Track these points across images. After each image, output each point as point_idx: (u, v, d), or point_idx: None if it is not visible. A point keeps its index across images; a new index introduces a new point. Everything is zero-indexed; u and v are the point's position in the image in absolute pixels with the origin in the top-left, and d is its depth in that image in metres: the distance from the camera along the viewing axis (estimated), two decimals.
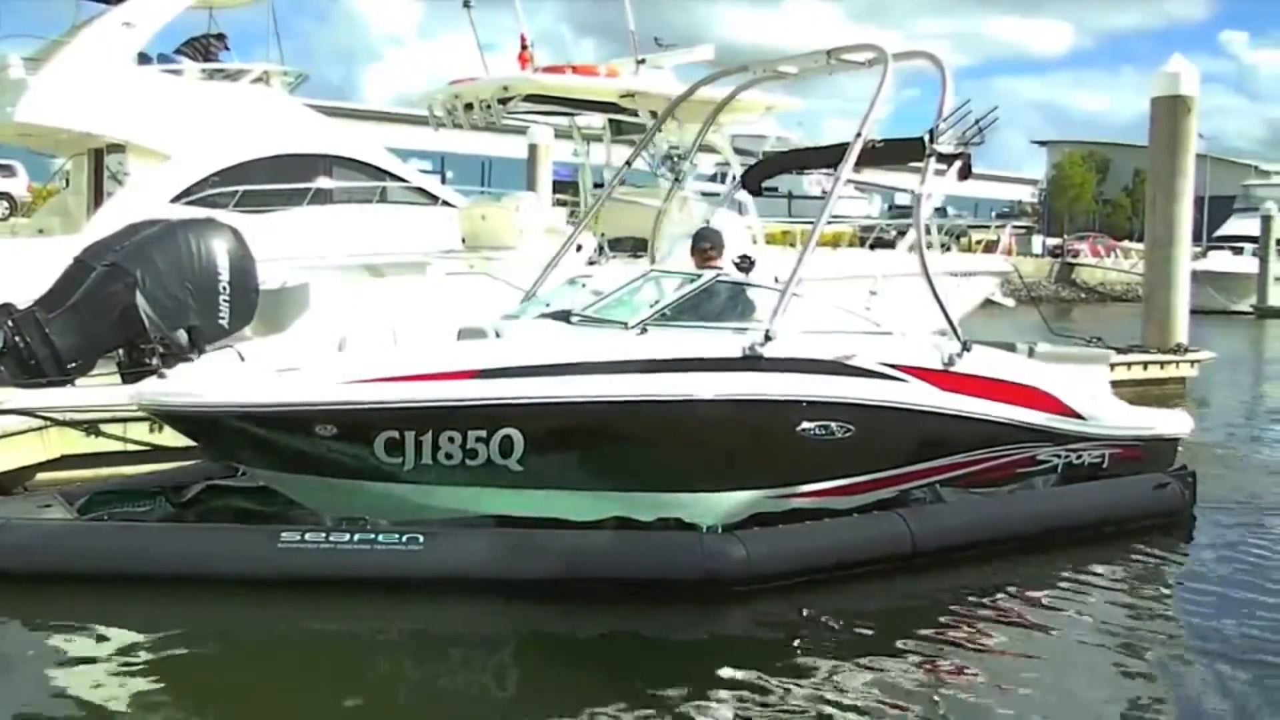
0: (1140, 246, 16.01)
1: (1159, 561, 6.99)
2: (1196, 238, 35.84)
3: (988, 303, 16.99)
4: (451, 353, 6.66)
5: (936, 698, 4.86)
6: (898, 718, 4.67)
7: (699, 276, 7.33)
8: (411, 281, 11.32)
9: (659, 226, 10.20)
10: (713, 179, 20.38)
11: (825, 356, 6.96)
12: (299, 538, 5.87)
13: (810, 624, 5.67)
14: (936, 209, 54.17)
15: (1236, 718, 4.71)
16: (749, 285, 7.37)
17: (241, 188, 13.58)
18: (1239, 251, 43.22)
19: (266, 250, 9.80)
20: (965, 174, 7.84)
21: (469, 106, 12.35)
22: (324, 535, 5.91)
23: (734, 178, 13.68)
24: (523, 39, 13.01)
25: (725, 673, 5.05)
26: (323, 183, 14.29)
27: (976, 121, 7.67)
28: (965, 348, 7.48)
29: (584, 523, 6.27)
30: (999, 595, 6.23)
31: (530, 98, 12.39)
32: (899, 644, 5.43)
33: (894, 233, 27.79)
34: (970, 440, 7.45)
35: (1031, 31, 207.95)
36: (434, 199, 15.47)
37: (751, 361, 6.70)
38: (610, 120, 13.55)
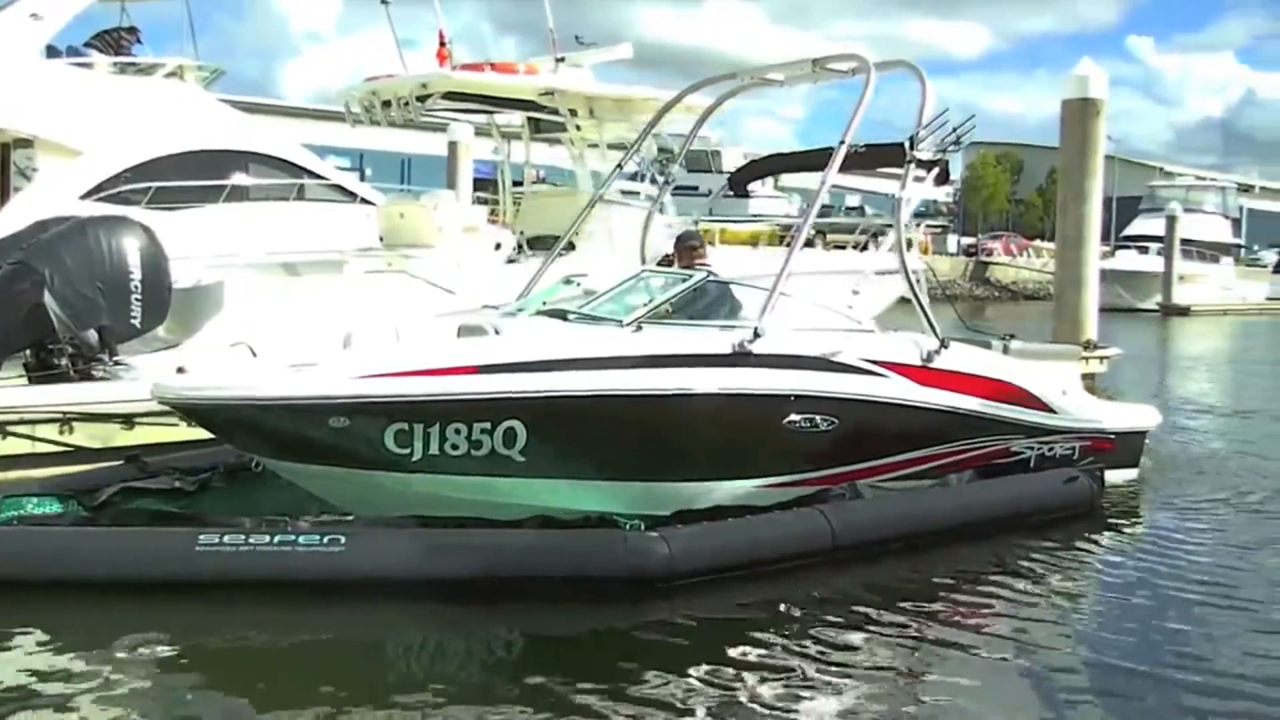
0: (1052, 245, 16.35)
1: (1066, 555, 7.11)
2: (1105, 237, 36.65)
3: (902, 300, 17.19)
4: (455, 349, 7.09)
5: (853, 691, 4.89)
6: (816, 711, 4.71)
7: (689, 276, 7.69)
8: (329, 280, 11.20)
9: (647, 229, 10.57)
10: (633, 178, 20.38)
11: (811, 353, 7.30)
12: (217, 540, 5.78)
13: (733, 619, 5.72)
14: (854, 208, 54.92)
15: (1134, 714, 4.81)
16: (737, 284, 7.78)
17: (154, 184, 13.30)
18: (1145, 251, 44.34)
19: (180, 248, 9.65)
20: (943, 179, 8.31)
21: (387, 104, 12.25)
22: (243, 537, 5.83)
23: (653, 176, 13.76)
24: (441, 36, 12.93)
25: (649, 670, 5.05)
26: (238, 179, 14.05)
27: (955, 129, 8.18)
28: (943, 344, 7.87)
29: (507, 521, 6.26)
30: (914, 588, 6.31)
31: (449, 95, 12.32)
32: (818, 638, 5.48)
33: (813, 231, 28.07)
34: (948, 433, 7.78)
35: (949, 34, 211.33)
36: (352, 196, 15.29)
37: (741, 357, 7.02)
38: (529, 118, 13.53)
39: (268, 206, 14.24)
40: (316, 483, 6.91)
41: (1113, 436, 8.65)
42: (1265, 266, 55.77)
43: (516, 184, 15.16)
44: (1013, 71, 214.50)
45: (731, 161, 49.69)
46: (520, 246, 12.73)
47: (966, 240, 56.58)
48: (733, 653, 5.24)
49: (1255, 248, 62.27)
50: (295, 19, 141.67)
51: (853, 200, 63.72)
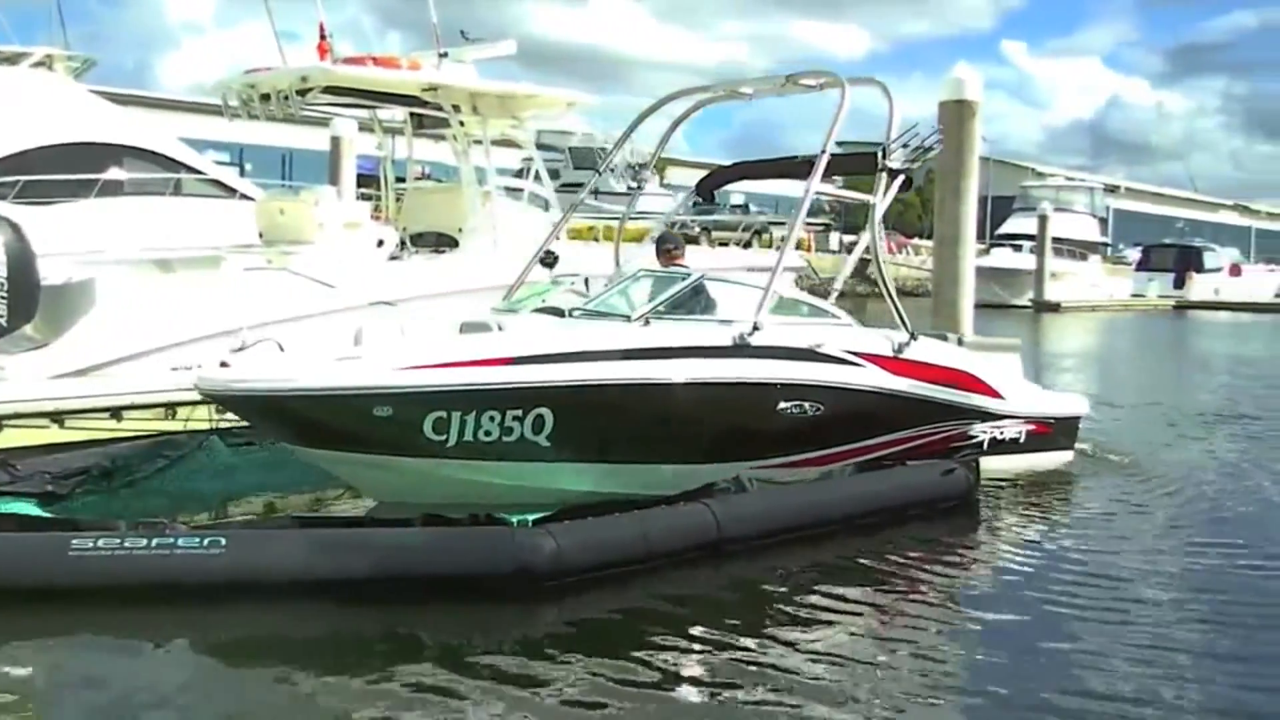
0: (930, 243, 16.71)
1: (942, 546, 7.32)
2: (980, 235, 37.65)
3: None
4: (488, 342, 7.49)
5: (731, 687, 4.93)
6: (698, 706, 4.76)
7: (686, 275, 8.36)
8: (205, 276, 10.94)
9: (620, 233, 11.14)
10: (518, 174, 20.31)
11: (799, 344, 7.95)
12: (91, 544, 5.62)
13: (619, 615, 5.75)
14: (738, 206, 55.44)
15: (1009, 704, 4.92)
16: (729, 282, 8.57)
17: (22, 178, 12.86)
18: (1018, 249, 45.64)
19: (50, 244, 9.35)
20: (907, 187, 8.95)
21: (265, 97, 11.98)
22: (119, 541, 5.67)
23: (535, 173, 13.74)
24: (321, 29, 12.70)
25: (537, 668, 5.06)
26: (112, 174, 13.66)
27: (923, 141, 8.77)
28: (913, 337, 8.62)
29: (392, 520, 6.21)
30: (797, 581, 6.41)
31: (330, 90, 12.10)
32: (700, 633, 5.53)
33: (698, 229, 28.33)
34: (916, 417, 8.51)
35: (832, 35, 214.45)
36: (231, 192, 14.97)
37: (741, 349, 7.66)
38: (412, 114, 13.38)
39: (142, 202, 13.87)
40: (350, 470, 7.42)
41: (1052, 421, 9.47)
42: (1129, 264, 57.82)
43: (400, 180, 14.99)
44: (892, 73, 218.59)
45: (616, 158, 49.87)
46: (403, 243, 12.59)
47: (848, 238, 57.53)
48: (618, 649, 5.25)
49: (1121, 246, 64.46)
50: (172, 9, 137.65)
51: (737, 199, 64.32)
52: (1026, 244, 45.51)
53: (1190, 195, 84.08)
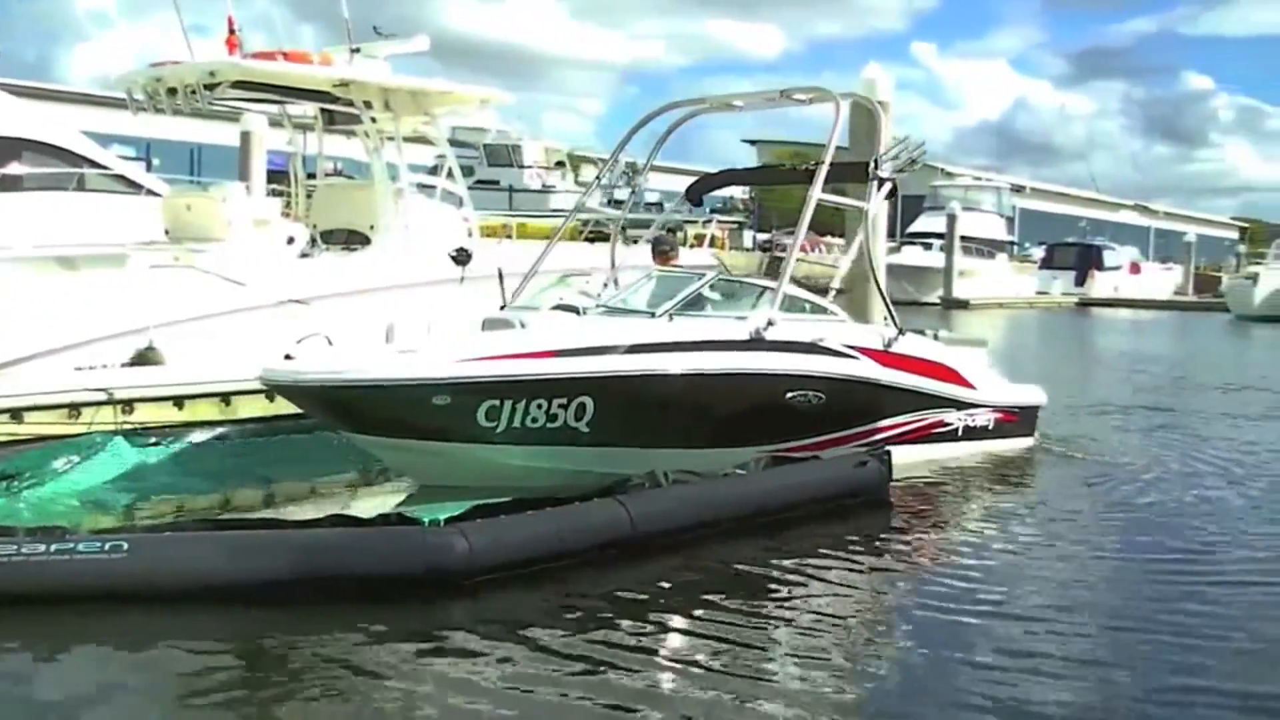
0: (842, 241, 16.90)
1: (852, 538, 7.37)
2: (891, 234, 38.17)
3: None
4: (535, 337, 8.11)
5: (646, 683, 4.94)
6: (609, 702, 4.76)
7: (701, 275, 9.08)
8: (109, 274, 10.70)
9: (615, 240, 11.68)
10: (432, 171, 20.16)
11: (805, 339, 8.63)
12: None
13: (532, 613, 5.72)
14: (653, 204, 55.54)
15: (918, 695, 4.99)
16: (739, 281, 9.44)
17: None
18: (928, 247, 46.39)
19: None
20: (891, 194, 9.76)
21: (172, 91, 11.75)
22: (15, 547, 5.51)
23: (449, 170, 13.66)
24: (230, 22, 12.48)
25: (448, 668, 5.05)
26: (11, 168, 13.27)
27: (910, 153, 9.57)
28: (900, 333, 9.39)
29: (301, 521, 6.13)
30: (707, 575, 6.45)
31: (239, 84, 11.92)
32: (615, 629, 5.54)
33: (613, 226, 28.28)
34: (903, 405, 9.29)
35: (746, 34, 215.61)
36: (137, 187, 14.62)
37: (757, 343, 8.35)
38: (323, 110, 13.22)
39: (43, 197, 13.48)
40: (400, 456, 8.02)
41: (1017, 410, 10.38)
42: (1035, 262, 59.02)
43: (311, 177, 14.80)
44: (804, 72, 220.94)
45: (532, 155, 49.69)
46: (314, 241, 12.44)
47: (762, 236, 57.92)
48: (531, 647, 5.25)
49: (1026, 244, 65.66)
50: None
51: (652, 196, 64.29)
52: (936, 242, 46.26)
53: (1093, 195, 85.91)
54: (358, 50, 12.89)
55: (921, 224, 49.99)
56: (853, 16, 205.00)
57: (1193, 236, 71.19)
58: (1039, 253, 62.00)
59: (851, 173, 9.94)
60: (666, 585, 6.24)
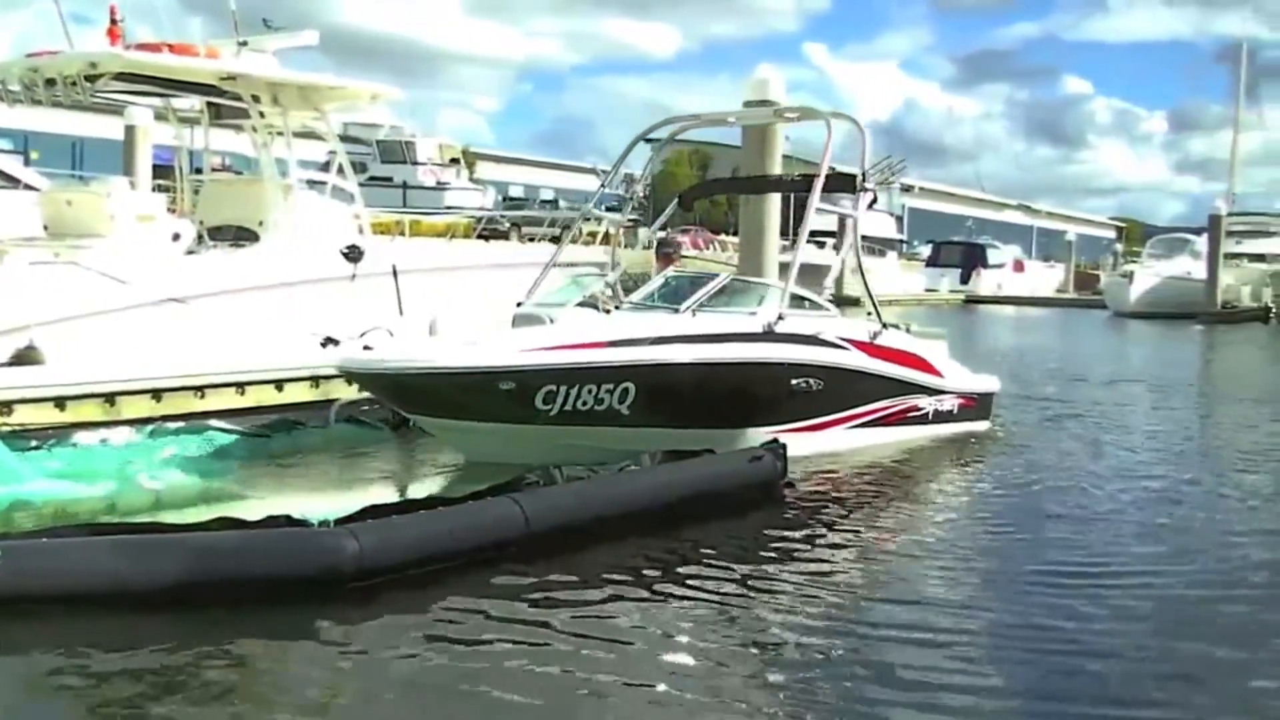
0: (736, 240, 17.09)
1: (752, 532, 7.49)
2: (784, 232, 38.51)
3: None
4: (585, 329, 9.05)
5: (540, 681, 4.93)
6: (501, 700, 4.76)
7: (716, 275, 10.36)
8: None
9: (615, 241, 13.29)
10: (323, 167, 19.86)
11: (806, 332, 9.65)
12: None
13: (426, 613, 5.69)
14: (547, 201, 55.27)
15: (804, 690, 5.07)
16: (748, 281, 10.76)
17: None
18: (822, 245, 46.95)
19: None
20: (873, 203, 10.98)
21: (51, 82, 11.39)
22: None
23: (339, 166, 13.49)
24: (113, 12, 12.14)
25: (340, 668, 5.00)
26: None
27: (891, 166, 12.75)
28: (884, 327, 10.55)
29: (186, 525, 6.00)
30: (601, 572, 6.45)
31: (121, 76, 11.61)
32: (510, 627, 5.54)
33: (507, 224, 28.24)
34: (885, 392, 10.39)
35: (643, 33, 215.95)
36: (14, 182, 14.21)
37: (769, 335, 9.33)
38: (209, 103, 12.95)
39: None
40: (462, 437, 8.88)
41: (976, 396, 11.60)
42: (922, 260, 60.28)
43: (197, 171, 14.49)
44: (699, 72, 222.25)
45: (426, 152, 49.25)
46: (200, 237, 12.18)
47: (659, 235, 58.18)
48: (423, 647, 5.23)
49: (915, 243, 67.04)
50: None
51: (547, 194, 64.17)
52: (829, 240, 46.86)
53: (979, 195, 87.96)
54: (245, 43, 12.65)
55: (815, 222, 50.54)
56: (748, 17, 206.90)
57: (1073, 236, 73.35)
58: (927, 251, 63.32)
59: (840, 184, 10.92)
60: (561, 583, 6.23)
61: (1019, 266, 63.27)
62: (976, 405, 11.62)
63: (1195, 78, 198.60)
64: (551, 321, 9.45)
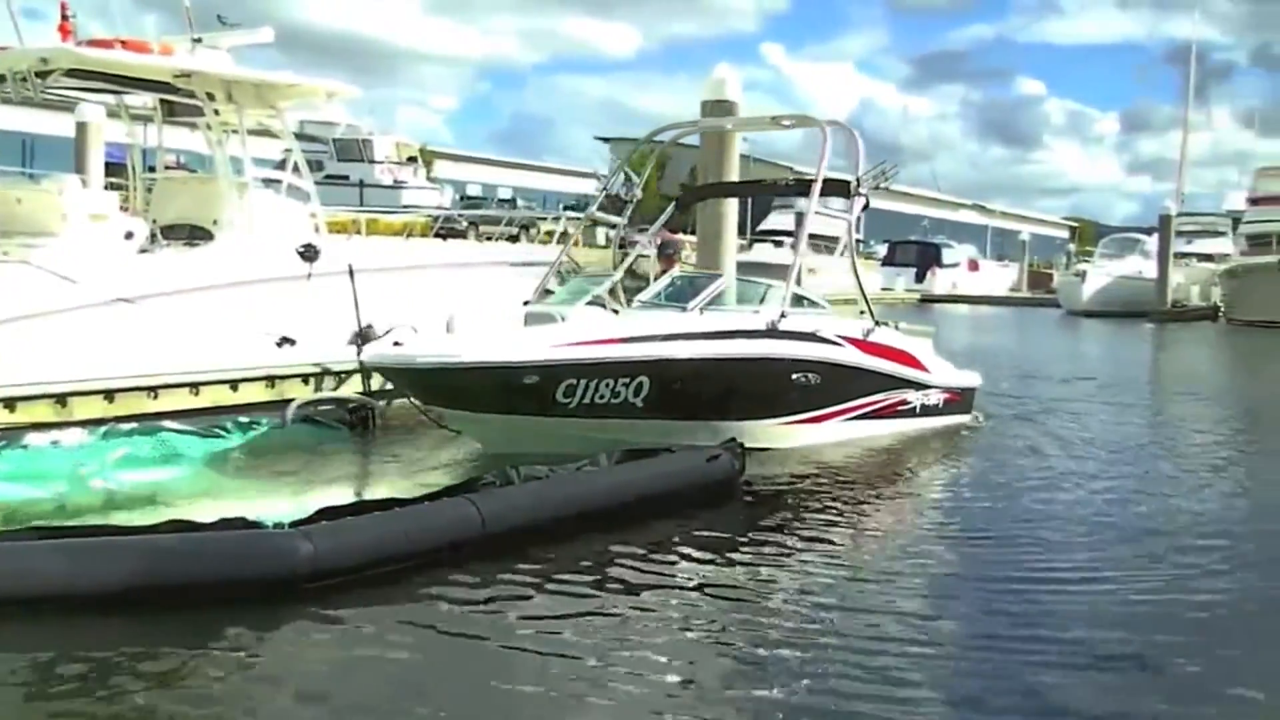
0: (694, 239, 17.17)
1: (708, 531, 7.48)
2: (742, 231, 38.69)
3: (546, 291, 17.58)
4: (602, 326, 9.58)
5: (496, 681, 4.95)
6: (460, 701, 4.77)
7: (719, 276, 11.13)
8: None
9: (615, 242, 12.90)
10: (280, 165, 19.72)
11: (805, 329, 10.14)
12: None
13: (382, 614, 5.67)
14: (505, 200, 55.14)
15: (759, 688, 5.11)
16: (750, 281, 11.23)
17: None
18: (779, 245, 47.18)
19: None
20: (865, 206, 11.39)
21: (1, 79, 11.26)
22: None
23: (295, 164, 13.40)
24: (64, 7, 11.99)
25: (294, 670, 4.98)
26: None
27: (884, 172, 11.09)
28: (877, 324, 11.05)
29: (136, 527, 5.95)
30: (558, 572, 6.45)
31: (73, 73, 11.47)
32: (468, 628, 5.55)
33: (465, 223, 28.14)
34: (877, 386, 10.91)
35: (603, 32, 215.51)
36: None
37: (772, 332, 9.81)
38: (163, 101, 12.83)
39: None
40: (483, 429, 9.28)
41: (960, 391, 12.14)
42: (878, 259, 60.66)
43: (151, 170, 14.33)
44: (658, 71, 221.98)
45: (383, 151, 49.01)
46: (154, 236, 12.05)
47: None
48: (377, 649, 5.21)
49: (871, 242, 67.37)
50: None
51: (505, 193, 63.96)
52: (787, 240, 47.07)
53: (934, 195, 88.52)
54: (200, 40, 12.54)
55: (771, 222, 50.87)
56: (708, 17, 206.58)
57: (1027, 235, 74.05)
58: (883, 250, 63.70)
59: (835, 188, 11.27)
60: (517, 583, 6.23)
61: (974, 266, 63.80)
62: (960, 400, 12.15)
63: (1146, 79, 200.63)
64: (563, 320, 9.88)
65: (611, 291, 11.06)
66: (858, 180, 11.04)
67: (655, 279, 11.39)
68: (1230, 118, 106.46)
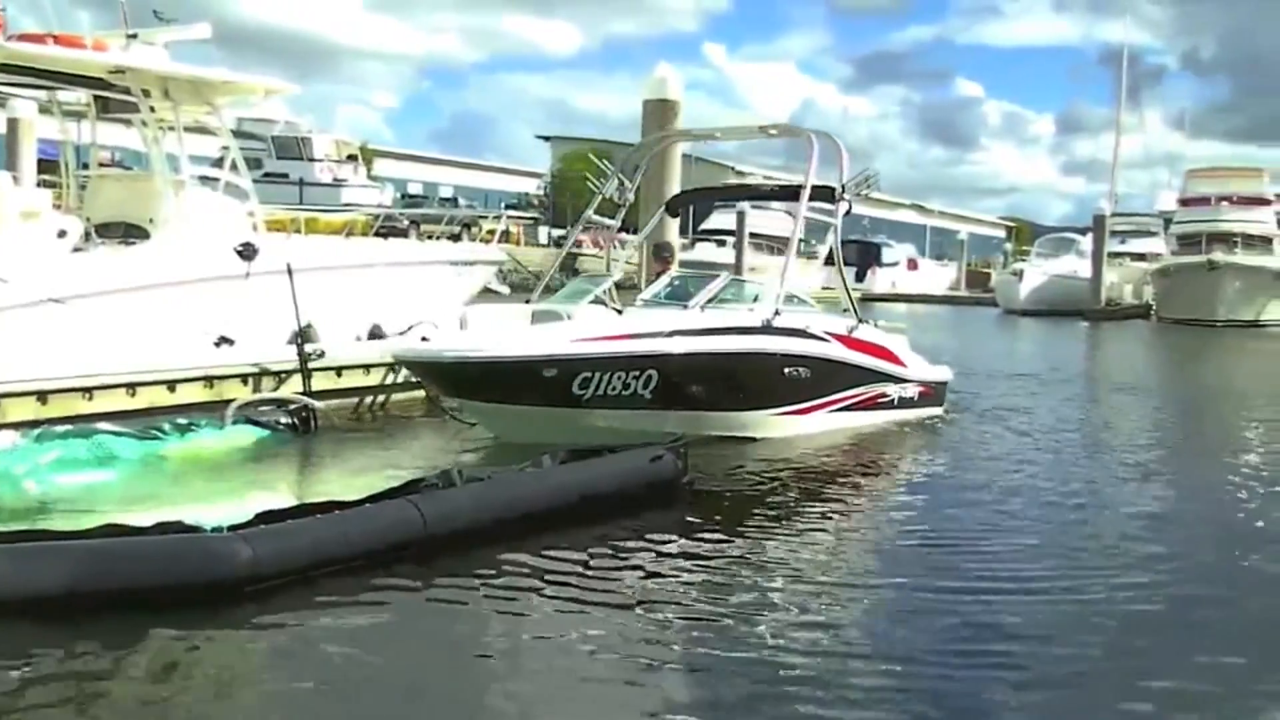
0: (636, 238, 17.20)
1: (651, 532, 7.45)
2: (684, 231, 38.79)
3: (486, 290, 17.57)
4: (613, 323, 10.35)
5: (440, 683, 4.95)
6: (398, 705, 4.74)
7: (718, 275, 11.83)
8: None
9: (609, 244, 14.13)
10: (217, 164, 19.49)
11: (796, 326, 10.79)
12: None
13: (322, 618, 5.61)
14: (446, 199, 54.73)
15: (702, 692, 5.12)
16: (745, 280, 12.47)
17: None
18: (721, 244, 47.30)
19: None
20: (848, 212, 12.03)
21: None
22: None
23: (233, 162, 13.25)
24: None
25: (233, 676, 4.92)
26: None
27: (868, 180, 11.87)
28: (860, 321, 11.82)
29: (75, 530, 5.85)
30: (501, 574, 6.39)
31: (4, 68, 11.28)
32: (407, 630, 5.52)
33: (406, 221, 27.95)
34: (860, 380, 11.61)
35: (543, 30, 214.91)
36: None
37: (766, 329, 10.44)
38: (97, 97, 12.63)
39: None
40: (504, 420, 9.79)
41: (933, 385, 12.90)
42: (819, 258, 61.05)
43: (84, 167, 14.11)
44: (599, 70, 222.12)
45: (323, 148, 48.56)
46: (88, 234, 11.86)
47: (557, 232, 58.16)
48: (318, 653, 5.14)
49: (812, 242, 67.81)
50: None
51: (446, 192, 63.56)
52: (729, 239, 47.23)
53: (874, 195, 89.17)
54: (135, 36, 12.39)
55: (714, 221, 50.96)
56: (649, 16, 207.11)
57: (965, 235, 74.95)
58: (823, 249, 64.10)
59: (820, 194, 11.82)
60: (459, 585, 6.18)
61: (913, 265, 64.49)
62: (933, 393, 12.90)
63: (1081, 82, 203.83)
64: (569, 317, 10.55)
65: (608, 291, 11.76)
66: (841, 187, 11.75)
67: (650, 279, 12.40)
68: (1161, 120, 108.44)
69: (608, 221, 13.43)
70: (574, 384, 9.47)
